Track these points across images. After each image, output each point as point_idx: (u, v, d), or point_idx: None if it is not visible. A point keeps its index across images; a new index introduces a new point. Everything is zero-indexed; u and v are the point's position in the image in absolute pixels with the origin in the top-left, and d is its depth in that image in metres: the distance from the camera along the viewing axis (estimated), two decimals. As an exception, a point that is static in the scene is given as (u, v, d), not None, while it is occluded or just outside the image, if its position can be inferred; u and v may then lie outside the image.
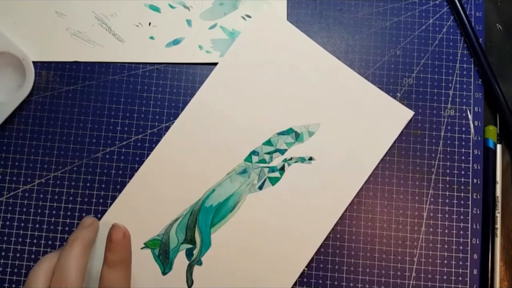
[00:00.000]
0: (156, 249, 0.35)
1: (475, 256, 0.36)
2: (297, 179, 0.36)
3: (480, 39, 0.38)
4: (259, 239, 0.35)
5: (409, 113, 0.37)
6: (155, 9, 0.38)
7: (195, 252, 0.35)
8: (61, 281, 0.29)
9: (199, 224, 0.35)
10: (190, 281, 0.35)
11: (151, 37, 0.38)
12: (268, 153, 0.36)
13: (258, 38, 0.38)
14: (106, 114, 0.37)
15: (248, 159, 0.36)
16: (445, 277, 0.36)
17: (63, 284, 0.29)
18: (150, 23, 0.38)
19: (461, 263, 0.36)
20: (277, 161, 0.36)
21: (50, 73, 0.38)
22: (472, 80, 0.38)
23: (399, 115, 0.37)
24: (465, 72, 0.38)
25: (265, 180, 0.36)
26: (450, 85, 0.38)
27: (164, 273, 0.35)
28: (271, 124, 0.37)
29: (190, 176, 0.36)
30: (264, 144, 0.36)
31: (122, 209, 0.36)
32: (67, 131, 0.37)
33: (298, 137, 0.37)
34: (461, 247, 0.36)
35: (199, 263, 0.35)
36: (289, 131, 0.37)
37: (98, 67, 0.38)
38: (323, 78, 0.37)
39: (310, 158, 0.36)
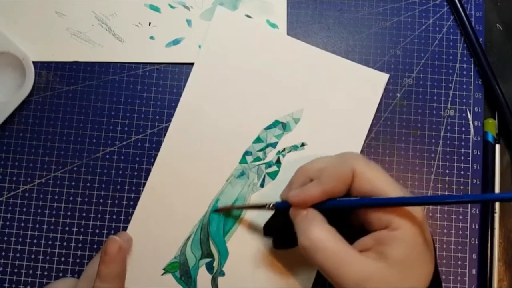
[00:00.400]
0: (177, 271, 0.35)
1: (474, 256, 0.36)
2: (295, 168, 0.36)
3: (480, 39, 0.38)
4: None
5: (384, 77, 0.37)
6: (155, 9, 0.38)
7: (215, 264, 0.35)
8: None
9: (212, 236, 0.35)
10: None
11: (151, 37, 0.38)
12: (261, 150, 0.36)
13: (224, 39, 0.37)
14: (106, 114, 0.37)
15: (243, 160, 0.36)
16: (444, 277, 0.36)
17: None
18: (150, 23, 0.38)
19: (459, 262, 0.36)
20: (271, 155, 0.36)
21: (50, 73, 0.38)
22: (472, 80, 0.38)
23: (376, 81, 0.37)
24: (465, 72, 0.38)
25: (264, 176, 0.36)
26: (450, 85, 0.38)
27: None
28: (257, 121, 0.37)
29: (191, 191, 0.36)
30: (254, 142, 0.36)
31: (134, 238, 0.35)
32: (67, 131, 0.37)
33: (285, 127, 0.37)
34: (459, 247, 0.36)
35: (222, 274, 0.35)
36: (275, 123, 0.37)
37: (98, 67, 0.38)
38: (295, 64, 0.37)
39: (302, 144, 0.36)
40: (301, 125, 0.37)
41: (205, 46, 0.37)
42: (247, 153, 0.36)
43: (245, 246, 0.35)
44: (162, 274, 0.35)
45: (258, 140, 0.37)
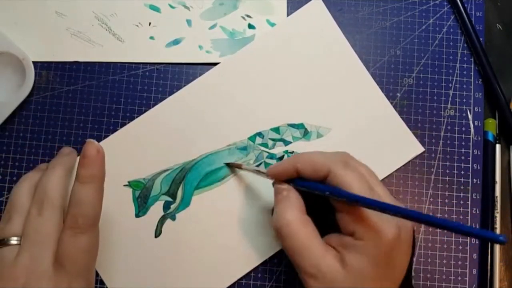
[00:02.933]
0: (138, 191, 0.36)
1: (474, 256, 0.36)
2: None
3: (480, 39, 0.38)
4: (232, 217, 0.35)
5: (419, 149, 0.37)
6: (155, 9, 0.38)
7: (173, 206, 0.36)
8: (43, 200, 0.30)
9: (185, 182, 0.36)
10: (158, 231, 0.35)
11: (151, 37, 0.38)
12: (273, 139, 0.37)
13: (292, 30, 0.38)
14: (106, 114, 0.37)
15: (252, 138, 0.36)
16: (444, 277, 0.36)
17: (45, 202, 0.30)
18: (150, 23, 0.38)
19: (460, 263, 0.36)
20: (278, 150, 0.37)
21: (50, 73, 0.38)
22: (472, 80, 0.38)
23: (409, 147, 0.37)
24: (465, 72, 0.38)
25: (261, 163, 0.36)
26: (450, 85, 0.38)
27: (137, 215, 0.36)
28: (285, 113, 0.37)
29: (191, 135, 0.36)
30: (271, 130, 0.37)
31: (116, 145, 0.36)
32: (67, 131, 0.37)
33: (306, 134, 0.37)
34: (460, 247, 0.36)
35: (173, 218, 0.36)
36: (300, 126, 0.37)
37: (98, 67, 0.38)
38: (347, 85, 0.37)
39: None
40: (320, 141, 0.37)
41: (277, 28, 0.38)
42: (259, 134, 0.37)
43: (205, 209, 0.36)
44: (124, 185, 0.36)
45: (276, 130, 0.37)
